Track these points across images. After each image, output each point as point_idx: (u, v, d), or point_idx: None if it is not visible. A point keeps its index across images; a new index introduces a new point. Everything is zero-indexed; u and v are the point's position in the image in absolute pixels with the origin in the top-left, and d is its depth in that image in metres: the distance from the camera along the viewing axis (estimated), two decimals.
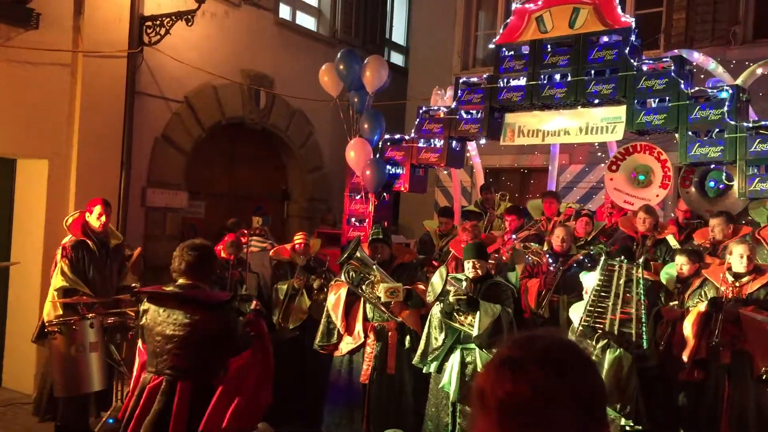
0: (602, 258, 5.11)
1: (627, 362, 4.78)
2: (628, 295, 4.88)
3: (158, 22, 8.26)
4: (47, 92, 7.40)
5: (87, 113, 7.66)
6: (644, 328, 4.79)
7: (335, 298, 5.85)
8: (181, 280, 3.97)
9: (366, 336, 5.72)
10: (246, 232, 7.21)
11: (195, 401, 3.83)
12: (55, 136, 7.48)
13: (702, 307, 5.20)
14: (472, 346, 5.22)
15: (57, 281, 5.80)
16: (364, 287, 5.65)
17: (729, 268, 5.22)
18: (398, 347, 5.75)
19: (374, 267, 5.64)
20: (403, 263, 6.03)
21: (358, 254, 5.65)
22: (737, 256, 5.15)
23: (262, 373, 4.25)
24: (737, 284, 5.16)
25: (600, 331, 4.88)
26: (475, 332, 5.11)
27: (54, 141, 7.48)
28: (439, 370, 5.40)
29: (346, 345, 5.79)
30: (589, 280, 5.16)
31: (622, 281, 4.91)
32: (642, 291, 4.90)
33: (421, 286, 5.76)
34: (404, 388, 5.80)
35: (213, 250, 4.23)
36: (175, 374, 3.83)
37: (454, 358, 5.29)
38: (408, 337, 5.77)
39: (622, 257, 5.07)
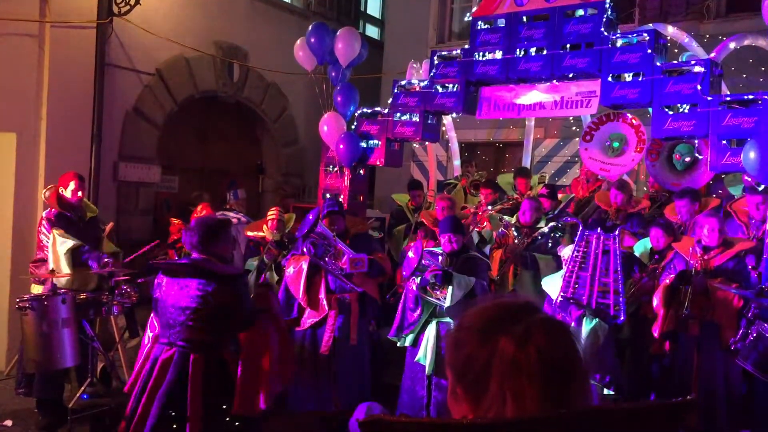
0: (579, 229, 5.14)
1: (603, 332, 4.83)
2: (604, 266, 4.91)
3: None
4: (14, 63, 7.22)
5: (55, 85, 7.50)
6: (621, 300, 4.83)
7: (295, 272, 5.77)
8: (194, 254, 4.06)
9: (330, 307, 5.73)
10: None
11: (208, 374, 3.93)
12: (22, 109, 7.32)
13: (668, 280, 5.27)
14: (448, 319, 5.25)
15: (65, 245, 5.75)
16: (327, 259, 5.66)
17: (699, 241, 5.29)
18: (359, 318, 5.80)
19: (335, 239, 5.67)
20: (358, 234, 6.08)
21: (318, 228, 5.67)
22: (707, 229, 5.21)
23: (282, 348, 4.34)
24: (706, 257, 5.24)
25: (574, 302, 4.93)
26: (447, 304, 5.15)
27: (22, 114, 7.32)
28: (414, 343, 5.44)
29: (310, 319, 5.78)
30: (567, 252, 5.19)
31: (599, 252, 4.94)
32: (619, 262, 4.94)
33: (379, 256, 5.86)
34: (364, 359, 5.86)
35: (226, 226, 4.28)
36: (187, 346, 3.93)
37: (430, 332, 5.32)
38: (368, 308, 5.85)
39: (599, 228, 5.11)
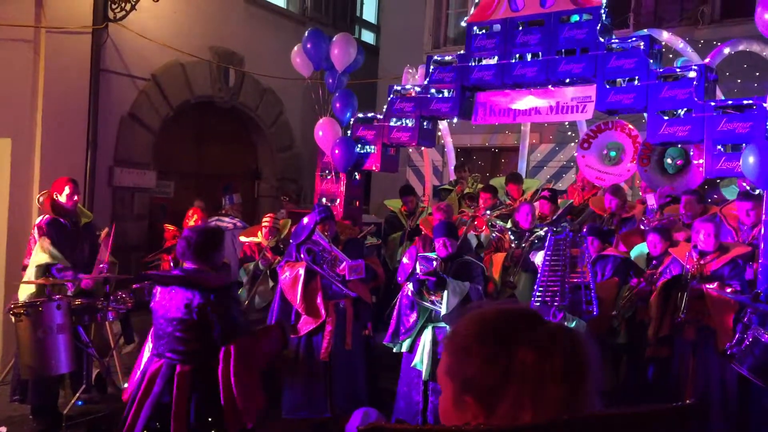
0: (548, 235, 5.19)
1: (584, 331, 4.86)
2: (576, 265, 4.96)
3: None
4: (9, 69, 7.21)
5: (51, 91, 7.49)
6: (592, 294, 4.88)
7: (291, 279, 5.74)
8: (186, 264, 4.03)
9: (327, 313, 5.73)
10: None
11: (194, 386, 3.87)
12: (18, 114, 7.31)
13: (658, 284, 5.29)
14: (444, 324, 5.25)
15: (39, 258, 5.70)
16: (324, 266, 5.66)
17: (695, 246, 5.30)
18: (353, 322, 5.82)
19: (330, 246, 5.68)
20: (351, 239, 6.12)
21: (315, 235, 5.68)
22: (703, 234, 5.23)
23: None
24: (702, 262, 5.25)
25: (556, 305, 4.96)
26: (443, 311, 5.15)
27: (17, 119, 7.30)
28: (410, 348, 5.43)
29: (306, 325, 5.76)
30: (539, 259, 5.23)
31: (568, 253, 4.99)
32: (589, 261, 5.00)
33: (371, 260, 5.94)
34: (358, 364, 5.87)
35: (219, 235, 4.21)
36: (175, 357, 3.89)
37: (426, 337, 5.31)
38: (361, 312, 5.89)
39: (568, 228, 5.17)
